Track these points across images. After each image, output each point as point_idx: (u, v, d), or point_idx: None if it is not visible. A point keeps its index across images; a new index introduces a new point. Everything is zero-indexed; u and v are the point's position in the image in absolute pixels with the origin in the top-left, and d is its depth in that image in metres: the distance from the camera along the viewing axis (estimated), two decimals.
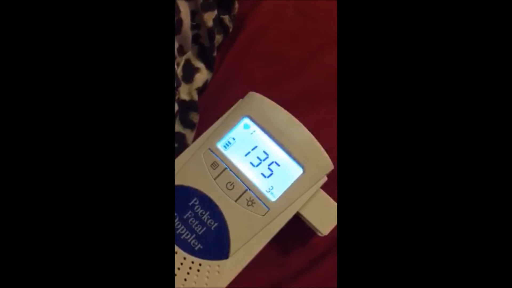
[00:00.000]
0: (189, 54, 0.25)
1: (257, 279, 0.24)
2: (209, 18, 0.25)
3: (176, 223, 0.21)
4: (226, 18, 0.27)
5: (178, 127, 0.25)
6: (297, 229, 0.23)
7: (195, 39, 0.25)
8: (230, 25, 0.27)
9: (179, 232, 0.21)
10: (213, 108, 0.26)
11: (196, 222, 0.21)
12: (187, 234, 0.21)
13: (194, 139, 0.25)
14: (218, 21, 0.26)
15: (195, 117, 0.25)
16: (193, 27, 0.25)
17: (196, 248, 0.21)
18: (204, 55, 0.26)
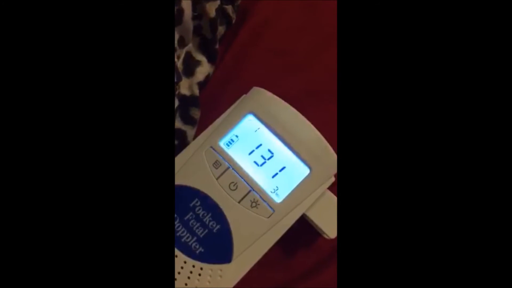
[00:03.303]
0: (190, 47, 0.24)
1: (260, 282, 0.23)
2: (211, 8, 0.24)
3: (176, 225, 0.20)
4: (229, 8, 0.25)
5: (178, 124, 0.24)
6: (302, 231, 0.23)
7: (197, 30, 0.24)
8: (234, 16, 0.26)
9: (179, 235, 0.20)
10: (215, 104, 0.25)
11: (197, 224, 0.20)
12: (188, 237, 0.20)
13: (195, 136, 0.24)
14: (221, 11, 0.25)
15: (196, 113, 0.24)
16: (194, 18, 0.23)
17: (197, 252, 0.20)
18: (206, 47, 0.25)
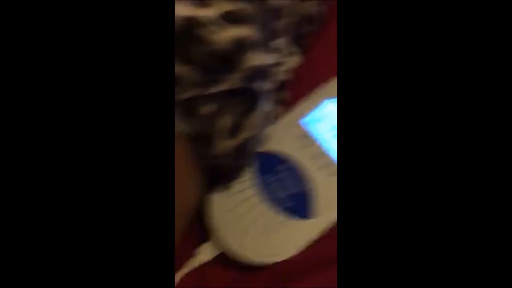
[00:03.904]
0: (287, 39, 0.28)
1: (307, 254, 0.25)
2: (309, 6, 0.28)
3: (269, 182, 0.25)
4: (319, 8, 0.29)
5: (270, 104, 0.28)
6: None
7: (294, 25, 0.28)
8: (321, 14, 0.30)
9: (271, 190, 0.24)
10: (300, 89, 0.29)
11: (286, 183, 0.25)
12: (277, 193, 0.24)
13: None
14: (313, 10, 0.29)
15: (285, 95, 0.28)
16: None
17: (285, 206, 0.24)
18: (298, 41, 0.29)
